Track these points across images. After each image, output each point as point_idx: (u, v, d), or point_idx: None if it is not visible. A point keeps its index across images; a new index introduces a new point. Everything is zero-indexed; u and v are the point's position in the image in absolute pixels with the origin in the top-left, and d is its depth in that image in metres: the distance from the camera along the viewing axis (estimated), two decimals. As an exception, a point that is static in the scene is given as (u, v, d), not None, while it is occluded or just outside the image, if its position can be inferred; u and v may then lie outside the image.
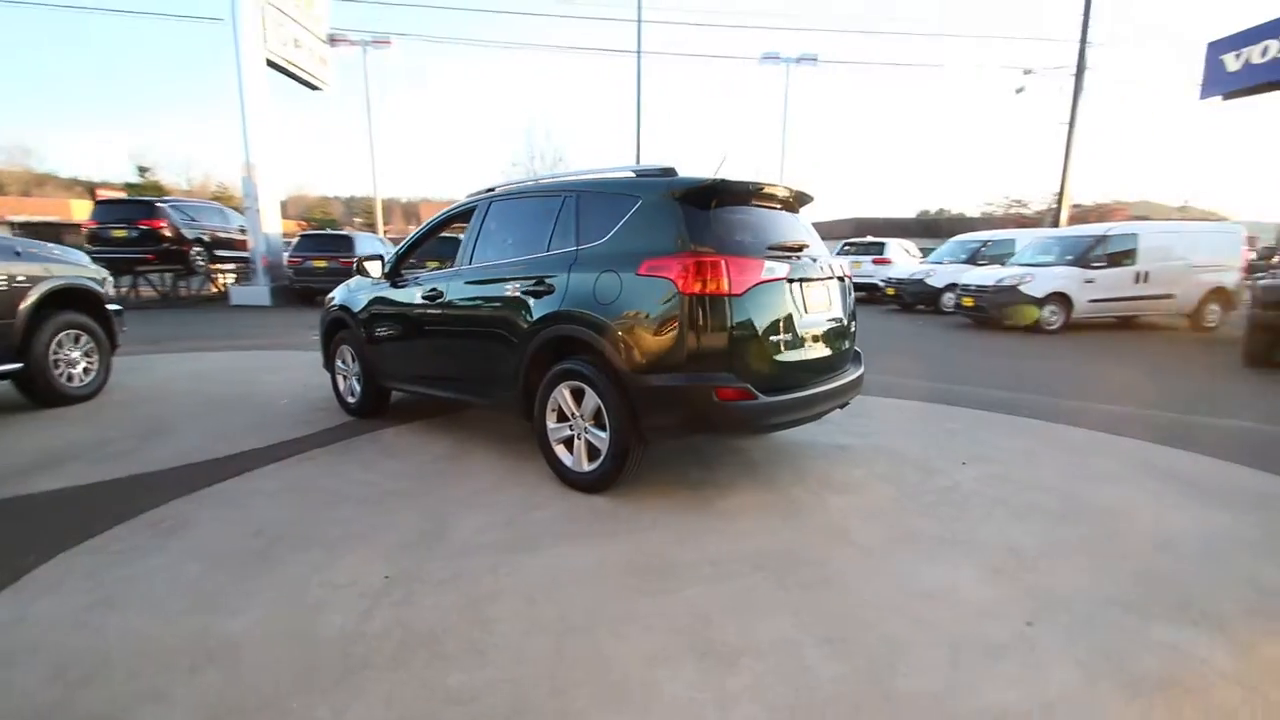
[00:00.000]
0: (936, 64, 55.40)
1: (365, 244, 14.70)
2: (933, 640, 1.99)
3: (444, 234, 4.78)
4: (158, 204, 13.22)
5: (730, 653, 1.90)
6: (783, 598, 2.23)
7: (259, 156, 13.54)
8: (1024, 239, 12.94)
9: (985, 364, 7.53)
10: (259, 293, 13.92)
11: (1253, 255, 13.31)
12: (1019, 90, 20.73)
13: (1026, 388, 6.05)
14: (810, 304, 3.16)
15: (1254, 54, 16.45)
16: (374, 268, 4.39)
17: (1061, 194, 20.52)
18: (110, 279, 5.91)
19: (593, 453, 3.18)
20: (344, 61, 18.65)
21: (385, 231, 19.80)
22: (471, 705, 1.65)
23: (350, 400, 4.87)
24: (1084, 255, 10.02)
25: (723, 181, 2.98)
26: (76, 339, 5.27)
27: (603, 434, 3.07)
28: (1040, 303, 9.86)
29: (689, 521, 2.86)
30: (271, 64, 13.99)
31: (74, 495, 3.24)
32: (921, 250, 18.58)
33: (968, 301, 10.80)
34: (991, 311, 10.20)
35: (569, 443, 3.28)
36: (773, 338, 2.94)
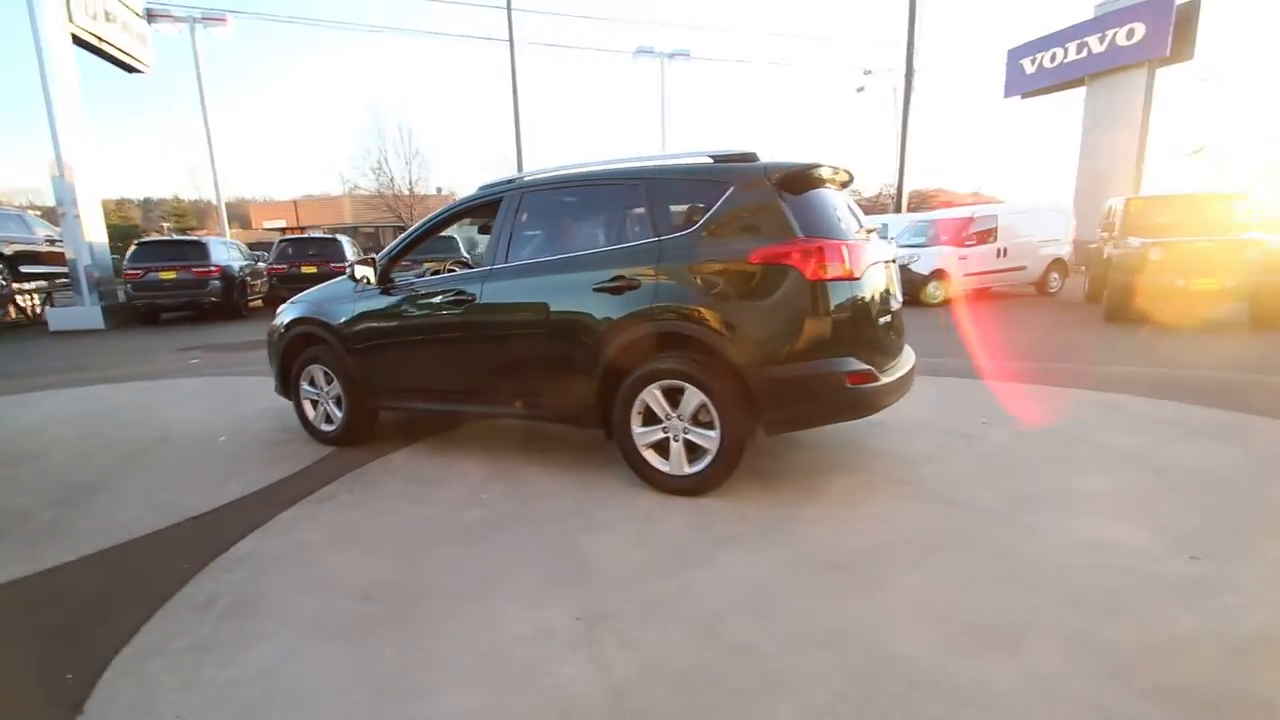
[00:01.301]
0: (787, 62, 59.57)
1: (220, 250, 12.81)
2: (1143, 586, 2.12)
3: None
4: (-65, 212, 10.50)
5: (1011, 635, 1.88)
6: (987, 573, 2.26)
7: (74, 152, 11.19)
8: (897, 223, 14.30)
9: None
10: (88, 314, 11.56)
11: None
12: (859, 89, 22.88)
13: (952, 354, 6.67)
14: (891, 286, 3.23)
15: (1045, 59, 19.54)
16: (366, 273, 3.81)
17: (900, 183, 23.00)
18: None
19: (690, 454, 3.01)
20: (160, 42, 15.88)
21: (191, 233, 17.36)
22: (839, 739, 1.49)
23: (326, 427, 4.20)
24: (956, 235, 11.29)
25: (818, 165, 2.95)
26: (-81, 386, 4.04)
27: (710, 433, 2.92)
28: (926, 279, 10.97)
29: (822, 513, 2.81)
30: (79, 41, 11.62)
31: (48, 583, 2.50)
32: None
33: (864, 281, 11.71)
34: (888, 289, 11.15)
35: (660, 446, 3.08)
36: (881, 320, 2.97)
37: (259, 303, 14.50)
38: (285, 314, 4.37)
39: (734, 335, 2.79)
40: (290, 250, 13.12)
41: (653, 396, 3.02)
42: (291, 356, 4.27)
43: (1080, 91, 19.20)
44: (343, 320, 3.95)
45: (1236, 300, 7.58)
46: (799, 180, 2.91)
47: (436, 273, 4.23)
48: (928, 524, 2.67)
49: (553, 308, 3.23)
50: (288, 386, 4.36)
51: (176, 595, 2.34)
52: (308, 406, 4.28)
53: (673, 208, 3.06)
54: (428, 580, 2.37)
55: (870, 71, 22.44)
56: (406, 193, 30.79)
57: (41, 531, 2.99)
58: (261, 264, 14.50)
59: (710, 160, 3.11)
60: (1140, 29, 16.69)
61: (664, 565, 2.39)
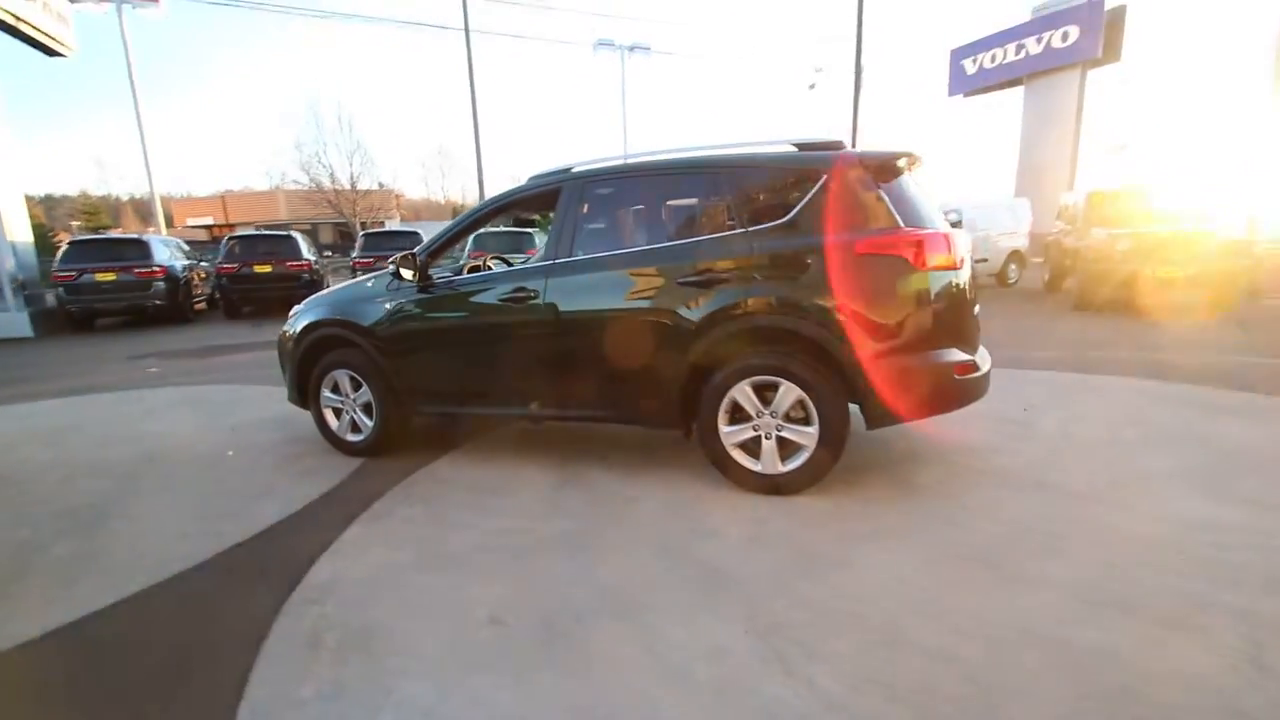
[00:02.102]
0: (743, 58, 61.10)
1: (162, 249, 11.85)
2: (1276, 560, 2.18)
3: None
4: None
5: (1187, 617, 1.89)
6: (1123, 556, 2.27)
7: (-10, 142, 10.11)
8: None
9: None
10: (13, 321, 10.46)
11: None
12: (811, 86, 23.35)
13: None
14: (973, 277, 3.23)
15: (986, 60, 20.44)
16: (407, 270, 3.54)
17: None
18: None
19: (781, 452, 2.93)
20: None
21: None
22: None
23: (353, 437, 3.91)
24: (925, 227, 11.64)
25: (906, 153, 2.91)
26: None
27: (807, 429, 2.84)
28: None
29: (928, 506, 2.79)
30: (-6, 19, 10.48)
31: (106, 629, 2.20)
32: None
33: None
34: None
35: (748, 446, 2.99)
36: (975, 309, 2.96)
37: (203, 305, 13.53)
38: (300, 317, 4.03)
39: (838, 328, 2.72)
40: (239, 248, 12.23)
41: (743, 393, 2.92)
42: (310, 362, 3.95)
43: (1019, 91, 20.17)
44: (376, 321, 3.67)
45: (1195, 286, 8.09)
46: (891, 169, 2.86)
47: (476, 269, 4.00)
48: (1035, 511, 2.68)
49: (630, 304, 3.08)
50: (305, 395, 4.03)
51: (272, 635, 2.08)
52: (329, 415, 3.97)
53: (761, 198, 2.96)
54: (551, 598, 2.19)
55: (821, 69, 22.94)
56: (348, 187, 29.48)
57: (65, 568, 2.64)
58: (204, 263, 13.54)
59: (794, 148, 3.03)
60: (1074, 31, 17.66)
61: (802, 568, 2.30)
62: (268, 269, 11.83)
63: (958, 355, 2.75)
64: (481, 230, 12.74)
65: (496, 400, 3.51)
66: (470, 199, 49.36)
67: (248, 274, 11.85)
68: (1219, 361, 5.36)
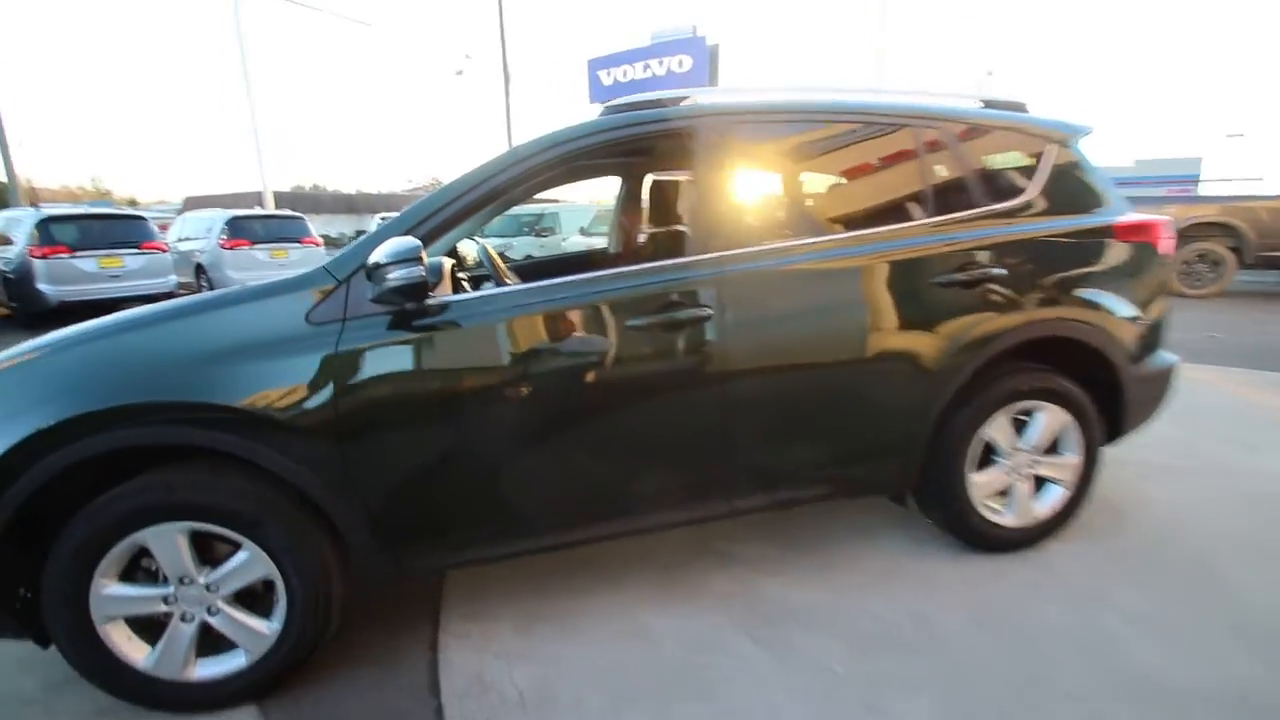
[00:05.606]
0: (365, 22, 53.32)
1: None
2: None
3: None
4: None
5: None
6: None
7: None
8: (577, 213, 13.98)
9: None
10: None
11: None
12: (459, 72, 22.02)
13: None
14: None
15: (619, 74, 22.35)
16: (405, 278, 1.59)
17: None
18: None
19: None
20: None
21: None
22: None
23: (212, 671, 1.73)
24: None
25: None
26: None
27: (1070, 458, 2.26)
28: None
29: (1154, 515, 2.53)
30: None
31: None
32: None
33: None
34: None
35: (995, 495, 2.26)
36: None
37: None
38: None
39: (1117, 330, 2.20)
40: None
41: (1000, 427, 2.17)
42: (31, 523, 1.58)
43: (647, 106, 22.77)
44: (309, 397, 1.62)
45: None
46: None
47: (478, 282, 2.16)
48: (1212, 492, 2.71)
49: (870, 317, 1.98)
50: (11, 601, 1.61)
51: None
52: (119, 638, 1.66)
53: (987, 167, 2.20)
54: None
55: (470, 56, 21.80)
56: None
57: None
58: None
59: (981, 105, 2.34)
60: (689, 61, 20.65)
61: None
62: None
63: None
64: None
65: (618, 509, 1.92)
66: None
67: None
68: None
